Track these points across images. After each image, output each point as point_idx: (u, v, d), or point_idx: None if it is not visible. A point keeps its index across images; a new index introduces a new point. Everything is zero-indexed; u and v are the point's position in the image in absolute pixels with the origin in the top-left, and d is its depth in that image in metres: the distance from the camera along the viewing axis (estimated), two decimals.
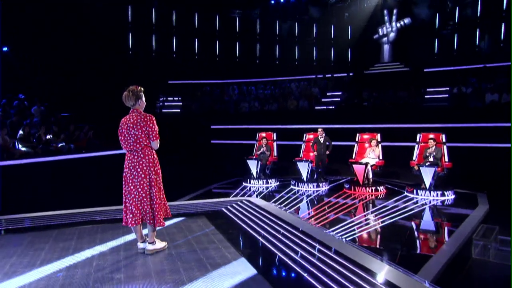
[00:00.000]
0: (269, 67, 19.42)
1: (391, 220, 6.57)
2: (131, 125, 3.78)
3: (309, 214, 7.35)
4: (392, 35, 17.46)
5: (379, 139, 9.77)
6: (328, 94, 16.34)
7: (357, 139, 10.33)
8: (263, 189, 9.77)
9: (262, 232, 4.63)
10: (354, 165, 9.17)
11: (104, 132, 10.66)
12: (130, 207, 3.85)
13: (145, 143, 3.78)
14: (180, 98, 17.35)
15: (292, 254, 3.90)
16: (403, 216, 6.88)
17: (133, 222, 3.83)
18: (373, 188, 8.98)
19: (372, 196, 8.75)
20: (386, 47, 17.53)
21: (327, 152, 9.79)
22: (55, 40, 13.07)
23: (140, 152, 3.79)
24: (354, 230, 6.00)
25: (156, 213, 3.85)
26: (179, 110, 16.65)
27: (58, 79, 12.64)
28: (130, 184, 3.84)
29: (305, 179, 9.64)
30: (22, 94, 10.82)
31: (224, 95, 17.55)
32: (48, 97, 11.53)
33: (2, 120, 8.74)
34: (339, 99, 15.57)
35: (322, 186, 9.59)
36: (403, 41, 17.42)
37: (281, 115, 14.58)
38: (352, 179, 9.93)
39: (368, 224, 6.56)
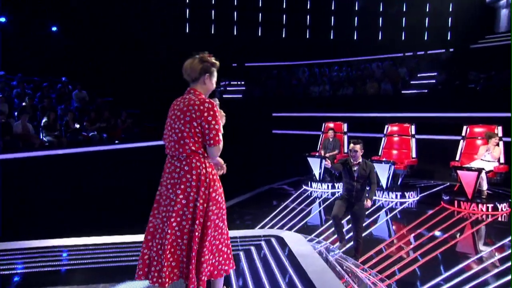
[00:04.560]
0: (345, 45, 16.66)
1: None
2: (179, 113, 2.26)
3: (389, 253, 4.97)
4: None
5: (500, 135, 6.77)
6: (419, 75, 13.18)
7: (463, 133, 7.41)
8: (328, 195, 7.60)
9: None
10: (459, 171, 6.39)
11: (148, 119, 9.43)
12: (151, 253, 2.30)
13: (193, 148, 2.23)
14: (243, 82, 15.72)
15: None
16: None
17: (155, 278, 2.25)
18: (490, 205, 6.16)
19: (489, 217, 5.96)
20: (503, 13, 13.52)
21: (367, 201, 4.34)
22: (106, 21, 12.24)
23: (183, 162, 2.25)
24: None
25: (198, 267, 2.24)
26: (241, 96, 15.04)
27: (106, 62, 11.79)
28: (161, 213, 2.30)
29: (384, 186, 7.17)
30: (66, 77, 10.09)
31: (293, 78, 15.42)
32: (92, 81, 10.70)
33: (31, 104, 7.90)
34: (434, 81, 12.38)
35: (408, 197, 7.04)
36: None
37: (357, 100, 11.99)
38: (452, 188, 7.20)
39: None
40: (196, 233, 2.22)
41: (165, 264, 2.22)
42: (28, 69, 9.68)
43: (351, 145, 4.43)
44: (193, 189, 2.23)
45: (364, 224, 5.55)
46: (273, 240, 3.64)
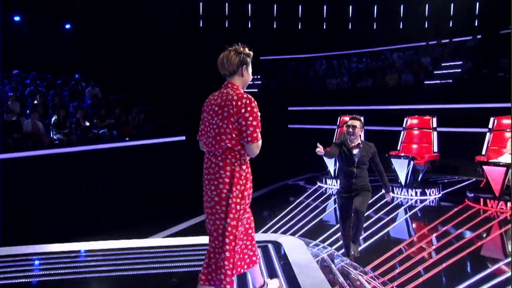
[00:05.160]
0: (365, 35, 16.05)
1: None
2: (216, 108, 2.20)
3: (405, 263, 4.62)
4: None
5: None
6: (443, 64, 12.49)
7: (490, 125, 6.88)
8: None
9: None
10: (485, 167, 5.92)
11: (159, 115, 9.31)
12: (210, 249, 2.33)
13: (229, 145, 2.16)
14: (259, 76, 15.45)
15: None
16: None
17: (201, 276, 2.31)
18: None
19: None
20: None
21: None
22: (120, 18, 12.20)
23: (219, 158, 2.20)
24: None
25: (223, 266, 2.21)
26: (256, 90, 14.78)
27: (120, 58, 11.74)
28: (207, 209, 2.30)
29: (403, 182, 6.77)
30: (79, 74, 10.11)
31: (310, 70, 15.00)
32: (106, 77, 10.68)
33: (43, 102, 7.92)
34: (459, 70, 11.68)
35: (429, 194, 6.61)
36: None
37: (376, 92, 11.51)
38: (478, 184, 6.73)
39: None
40: (227, 233, 2.17)
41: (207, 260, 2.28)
42: (41, 67, 9.75)
43: (350, 121, 3.66)
44: (226, 186, 2.16)
45: (381, 223, 5.25)
46: (270, 246, 3.31)
